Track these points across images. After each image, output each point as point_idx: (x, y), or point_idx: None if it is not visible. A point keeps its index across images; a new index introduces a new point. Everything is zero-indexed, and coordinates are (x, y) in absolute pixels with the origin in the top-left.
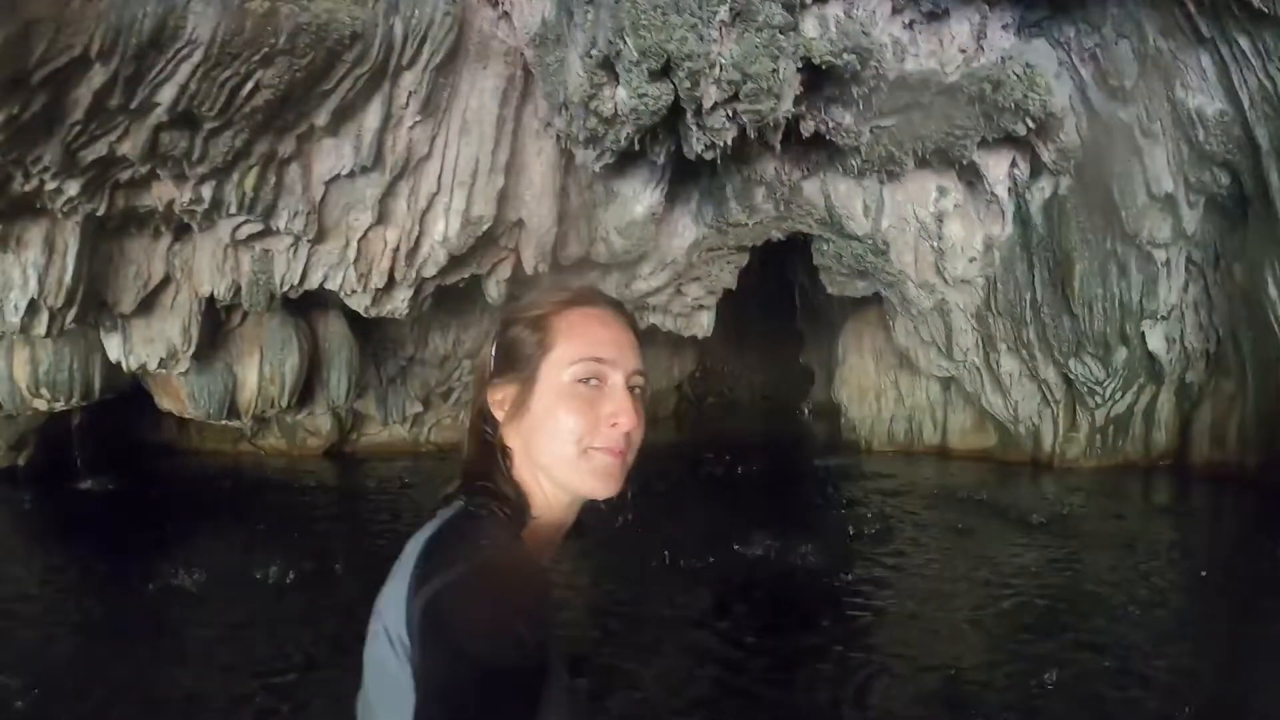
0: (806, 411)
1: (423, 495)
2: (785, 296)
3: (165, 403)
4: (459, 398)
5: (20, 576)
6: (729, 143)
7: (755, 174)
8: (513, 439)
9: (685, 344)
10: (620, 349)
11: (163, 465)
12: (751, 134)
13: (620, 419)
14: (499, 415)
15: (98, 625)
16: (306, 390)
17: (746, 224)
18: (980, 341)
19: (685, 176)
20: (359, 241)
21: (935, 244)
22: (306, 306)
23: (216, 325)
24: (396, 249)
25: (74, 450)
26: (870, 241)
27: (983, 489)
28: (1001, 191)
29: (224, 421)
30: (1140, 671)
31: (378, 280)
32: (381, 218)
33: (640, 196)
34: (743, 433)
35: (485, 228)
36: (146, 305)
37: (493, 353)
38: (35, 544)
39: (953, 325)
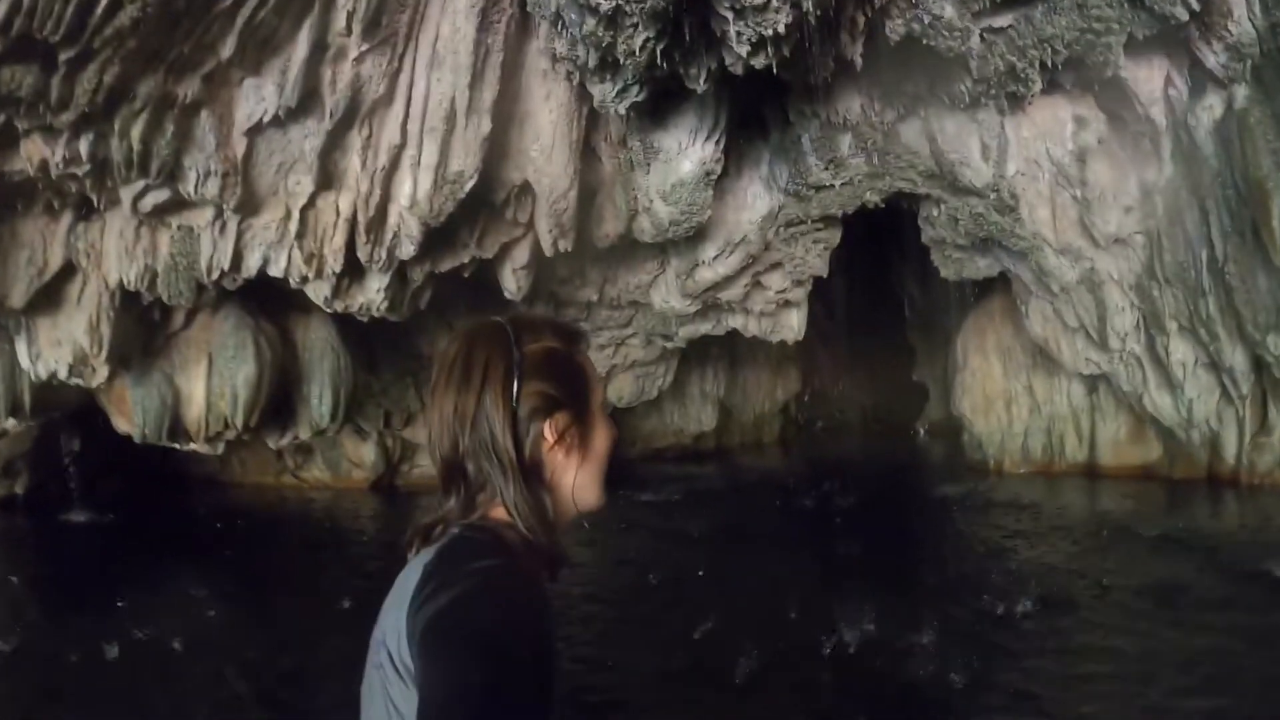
0: (921, 432)
1: None
2: (896, 311)
3: (120, 423)
4: None
5: None
6: (781, 30)
7: (837, 116)
8: (553, 469)
9: (788, 362)
10: None
11: (190, 499)
12: (811, 19)
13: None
14: (550, 442)
15: None
16: (286, 408)
17: (832, 185)
18: (1142, 322)
19: (750, 130)
20: (302, 211)
21: (1078, 193)
22: (282, 307)
23: (154, 327)
24: (353, 220)
25: (70, 480)
26: (993, 195)
27: (1163, 519)
28: (1158, 115)
29: (173, 445)
30: None
31: (334, 263)
32: (329, 180)
33: (687, 150)
34: (851, 458)
35: (469, 187)
36: (51, 300)
37: (554, 380)
38: None
39: (1106, 303)
